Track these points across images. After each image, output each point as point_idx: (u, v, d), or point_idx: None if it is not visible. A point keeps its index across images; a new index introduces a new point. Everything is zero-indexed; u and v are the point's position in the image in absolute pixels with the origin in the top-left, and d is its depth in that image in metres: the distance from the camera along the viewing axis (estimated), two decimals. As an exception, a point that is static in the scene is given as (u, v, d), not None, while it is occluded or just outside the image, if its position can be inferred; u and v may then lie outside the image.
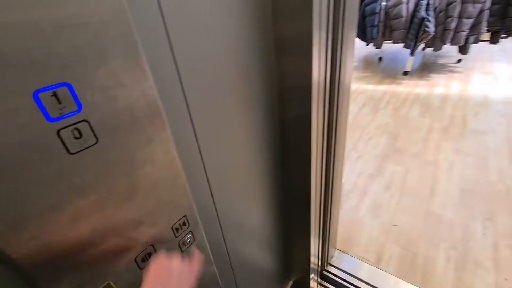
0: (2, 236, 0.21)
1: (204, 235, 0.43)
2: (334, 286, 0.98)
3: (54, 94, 0.22)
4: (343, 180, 1.22)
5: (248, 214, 0.63)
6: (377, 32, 2.57)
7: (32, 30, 0.20)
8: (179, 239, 0.38)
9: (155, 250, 0.35)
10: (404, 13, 2.34)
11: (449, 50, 3.19)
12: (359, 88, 2.69)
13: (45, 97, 0.21)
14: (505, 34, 2.35)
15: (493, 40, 2.40)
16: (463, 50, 2.53)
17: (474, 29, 2.22)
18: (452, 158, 1.54)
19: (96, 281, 0.29)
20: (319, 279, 1.01)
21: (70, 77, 0.22)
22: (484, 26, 2.19)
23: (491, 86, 2.34)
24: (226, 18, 0.40)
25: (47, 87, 0.21)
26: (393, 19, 2.41)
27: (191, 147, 0.41)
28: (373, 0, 2.54)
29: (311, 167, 0.65)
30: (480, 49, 3.15)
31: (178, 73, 0.35)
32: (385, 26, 2.53)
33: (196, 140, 0.41)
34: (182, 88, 0.36)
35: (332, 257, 1.07)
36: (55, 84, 0.21)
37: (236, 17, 0.41)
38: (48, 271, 0.25)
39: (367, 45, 2.99)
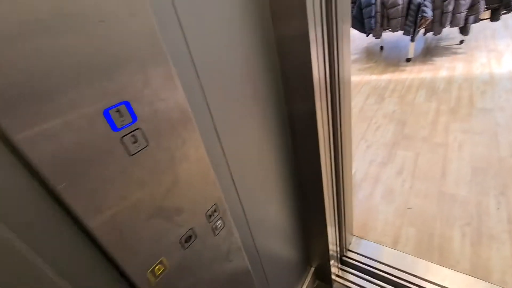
0: (91, 221, 0.29)
1: (232, 221, 0.49)
2: (354, 269, 1.03)
3: (118, 110, 0.29)
4: (354, 170, 1.27)
5: (268, 205, 0.69)
6: (375, 22, 2.60)
7: (102, 68, 0.27)
8: (212, 224, 0.45)
9: (195, 234, 0.42)
10: (400, 1, 2.36)
11: (451, 32, 3.17)
12: (363, 79, 2.72)
13: (112, 113, 0.28)
14: (505, 10, 2.33)
15: (494, 17, 2.39)
16: (464, 31, 2.52)
17: (473, 9, 2.22)
18: (461, 138, 1.56)
19: (154, 257, 0.36)
20: (339, 265, 1.06)
21: (127, 97, 0.29)
22: (482, 5, 2.19)
23: (496, 63, 2.33)
24: (236, 29, 0.47)
25: (113, 106, 0.28)
26: (390, 8, 2.43)
27: (215, 146, 0.48)
28: (368, -9, 2.57)
29: (320, 159, 0.72)
30: (482, 27, 3.12)
31: (201, 86, 0.42)
32: (383, 16, 2.55)
33: (219, 139, 0.48)
34: (204, 96, 0.43)
35: (350, 243, 1.11)
36: (118, 103, 0.29)
37: (244, 28, 0.48)
38: (122, 249, 0.32)
39: (367, 36, 3.01)
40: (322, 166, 0.74)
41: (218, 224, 0.47)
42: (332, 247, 0.98)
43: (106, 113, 0.28)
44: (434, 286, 0.90)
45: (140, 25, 0.29)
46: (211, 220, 0.45)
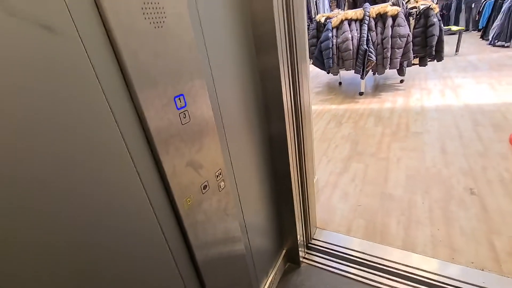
0: (165, 159, 0.51)
1: (229, 186, 0.73)
2: (317, 252, 1.26)
3: (179, 98, 0.53)
4: (316, 178, 1.55)
5: (254, 201, 0.93)
6: (333, 62, 3.13)
7: (175, 76, 0.52)
8: (218, 182, 0.68)
9: (208, 185, 0.65)
10: (351, 47, 2.92)
11: (394, 73, 3.85)
12: (325, 108, 3.17)
13: (176, 99, 0.53)
14: (429, 59, 2.99)
15: (422, 63, 3.04)
16: (401, 72, 3.14)
17: (405, 56, 2.83)
18: (399, 154, 1.96)
19: (184, 195, 0.58)
20: (305, 250, 1.29)
21: (184, 92, 0.54)
22: (411, 53, 2.80)
23: (426, 98, 2.92)
24: (239, 62, 0.75)
25: (177, 95, 0.53)
26: (343, 52, 2.98)
27: (223, 144, 0.72)
28: (326, 38, 3.13)
29: (290, 171, 0.99)
30: (417, 71, 3.85)
31: (218, 103, 0.68)
32: (338, 58, 3.09)
33: (226, 140, 0.73)
34: (219, 107, 0.69)
35: (314, 233, 1.36)
36: (179, 94, 0.53)
37: (242, 62, 0.76)
38: (174, 184, 0.54)
39: (328, 73, 3.56)
40: (291, 175, 1.01)
41: (221, 185, 0.70)
42: (300, 237, 1.22)
43: (174, 99, 0.52)
44: (376, 258, 1.17)
45: (192, 55, 0.56)
46: (217, 179, 0.68)
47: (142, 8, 0.43)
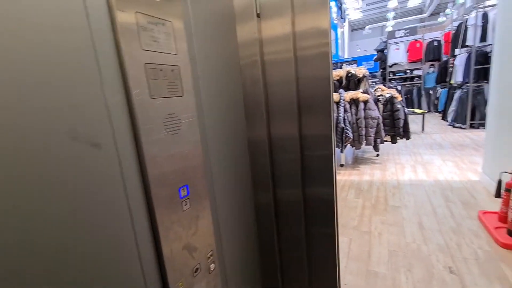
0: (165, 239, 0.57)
1: (225, 266, 0.76)
2: None
3: (183, 188, 0.63)
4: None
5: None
6: (315, 136, 3.43)
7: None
8: (209, 264, 0.72)
9: (200, 267, 0.68)
10: (330, 124, 3.27)
11: (371, 147, 4.21)
12: (309, 178, 3.31)
13: (181, 190, 0.62)
14: (399, 137, 3.36)
15: (393, 141, 3.39)
16: (376, 148, 3.46)
17: (377, 134, 3.18)
18: (380, 227, 2.03)
19: (177, 279, 0.62)
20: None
21: (187, 181, 0.64)
22: (383, 132, 3.16)
23: (400, 173, 3.16)
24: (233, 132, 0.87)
25: (181, 186, 0.62)
26: (324, 128, 3.31)
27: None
28: (308, 115, 3.50)
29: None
30: (392, 146, 4.24)
31: (213, 187, 0.78)
32: (319, 133, 3.41)
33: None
34: (214, 190, 0.79)
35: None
36: (183, 185, 0.63)
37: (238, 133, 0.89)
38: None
39: (310, 145, 3.84)
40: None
41: (212, 266, 0.73)
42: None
43: (179, 190, 0.61)
44: None
45: (197, 151, 0.67)
46: (208, 261, 0.72)
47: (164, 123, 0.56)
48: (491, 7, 4.76)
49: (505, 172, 1.93)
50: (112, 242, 0.47)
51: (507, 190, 1.80)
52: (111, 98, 0.45)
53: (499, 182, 1.94)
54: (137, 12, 0.49)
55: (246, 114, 0.95)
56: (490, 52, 4.59)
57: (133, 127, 0.50)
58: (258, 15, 0.84)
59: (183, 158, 0.62)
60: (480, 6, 4.87)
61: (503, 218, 1.84)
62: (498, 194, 1.95)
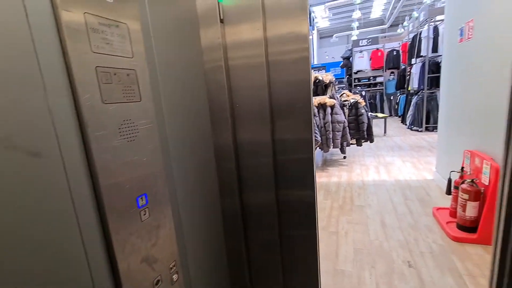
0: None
1: (189, 276, 0.74)
2: None
3: (141, 197, 0.60)
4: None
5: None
6: (285, 140, 3.50)
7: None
8: (171, 275, 0.69)
9: (161, 279, 0.65)
10: (299, 128, 3.36)
11: (338, 150, 4.39)
12: (280, 181, 3.36)
13: (139, 199, 0.59)
14: (363, 140, 3.55)
15: (358, 143, 3.58)
16: (342, 151, 3.62)
17: (344, 138, 3.33)
18: (347, 227, 2.12)
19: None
20: None
21: (145, 190, 0.61)
22: (348, 136, 3.32)
23: (365, 174, 3.34)
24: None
25: (139, 195, 0.59)
26: (294, 132, 3.39)
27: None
28: (279, 119, 3.57)
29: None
30: (357, 149, 4.46)
31: (176, 195, 0.76)
32: (290, 136, 3.49)
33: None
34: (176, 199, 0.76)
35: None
36: (141, 194, 0.60)
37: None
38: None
39: (281, 148, 3.91)
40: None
41: (174, 277, 0.71)
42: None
43: (137, 199, 0.58)
44: None
45: (157, 158, 0.65)
46: (171, 271, 0.69)
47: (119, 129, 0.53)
48: (440, 22, 5.26)
49: (454, 171, 2.13)
50: (59, 261, 0.43)
51: (456, 188, 1.99)
52: (54, 103, 0.42)
53: (449, 181, 2.13)
54: (86, 12, 0.46)
55: (212, 119, 0.94)
56: (441, 62, 5.07)
57: (82, 134, 0.47)
58: (221, 20, 0.84)
59: (141, 165, 0.59)
60: (432, 20, 5.36)
61: (453, 213, 2.02)
62: (449, 191, 2.14)
